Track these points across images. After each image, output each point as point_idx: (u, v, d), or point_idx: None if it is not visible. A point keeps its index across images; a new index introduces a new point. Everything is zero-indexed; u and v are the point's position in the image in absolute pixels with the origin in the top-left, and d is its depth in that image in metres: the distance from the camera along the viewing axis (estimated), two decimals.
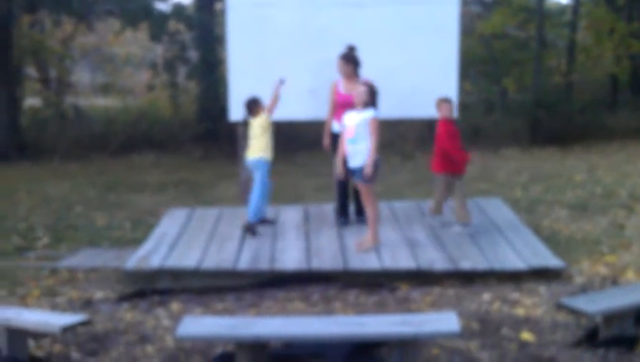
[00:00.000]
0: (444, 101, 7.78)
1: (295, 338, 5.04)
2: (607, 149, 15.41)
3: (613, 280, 6.77)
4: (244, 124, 8.14)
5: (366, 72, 7.87)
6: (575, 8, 19.99)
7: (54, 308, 6.54)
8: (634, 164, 13.11)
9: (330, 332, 4.87)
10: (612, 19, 19.60)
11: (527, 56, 18.98)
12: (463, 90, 14.16)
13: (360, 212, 8.24)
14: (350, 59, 7.85)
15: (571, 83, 19.61)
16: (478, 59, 20.10)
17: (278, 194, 10.17)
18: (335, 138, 7.89)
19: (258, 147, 7.92)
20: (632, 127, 17.72)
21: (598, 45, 19.74)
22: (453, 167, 7.72)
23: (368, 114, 7.10)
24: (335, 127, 7.95)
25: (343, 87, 7.92)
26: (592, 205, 9.82)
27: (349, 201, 8.24)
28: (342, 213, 8.23)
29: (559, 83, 19.80)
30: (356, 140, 7.13)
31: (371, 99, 7.17)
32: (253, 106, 7.95)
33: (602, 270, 7.06)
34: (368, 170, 7.06)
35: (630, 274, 6.89)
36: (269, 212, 8.47)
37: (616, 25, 19.41)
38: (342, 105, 7.84)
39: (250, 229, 7.89)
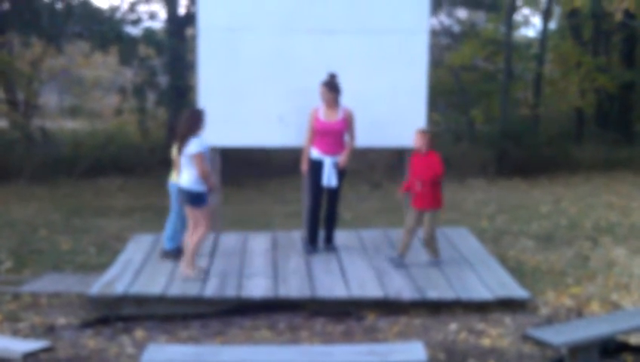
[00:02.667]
0: (418, 132, 7.74)
1: None
2: (572, 181, 15.58)
3: (578, 312, 6.83)
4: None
5: None
6: (542, 42, 20.29)
7: (16, 333, 6.42)
8: (599, 196, 13.28)
9: None
10: (578, 53, 19.97)
11: (495, 88, 19.20)
12: (431, 121, 14.29)
13: (329, 239, 8.25)
14: (333, 87, 7.88)
15: (538, 115, 19.86)
16: (447, 91, 20.30)
17: (246, 221, 10.16)
18: (313, 164, 7.90)
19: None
20: (596, 160, 17.97)
21: (564, 78, 20.08)
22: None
23: (191, 148, 7.09)
24: (314, 153, 7.96)
25: (323, 114, 7.92)
26: (557, 236, 9.91)
27: (319, 229, 8.22)
28: (311, 240, 8.21)
29: (526, 115, 20.05)
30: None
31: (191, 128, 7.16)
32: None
33: (567, 301, 7.11)
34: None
35: (595, 306, 6.96)
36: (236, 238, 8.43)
37: (582, 59, 19.77)
38: (321, 132, 7.86)
39: (167, 255, 7.92)
